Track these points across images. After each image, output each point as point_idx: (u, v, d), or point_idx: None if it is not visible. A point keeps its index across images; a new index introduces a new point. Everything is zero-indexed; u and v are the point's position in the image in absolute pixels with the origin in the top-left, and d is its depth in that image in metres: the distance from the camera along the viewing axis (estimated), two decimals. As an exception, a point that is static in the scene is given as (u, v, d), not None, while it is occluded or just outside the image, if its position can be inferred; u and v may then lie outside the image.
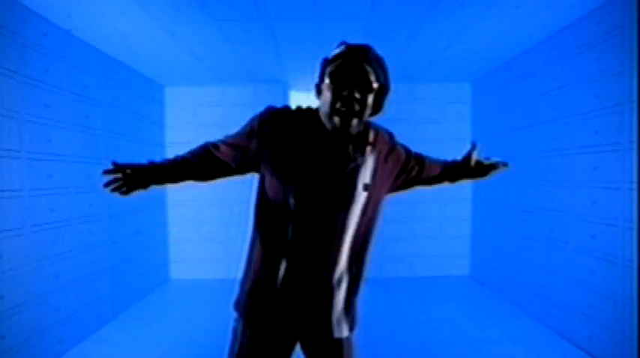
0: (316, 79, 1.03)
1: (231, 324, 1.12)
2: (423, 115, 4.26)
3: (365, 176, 1.01)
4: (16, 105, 2.13)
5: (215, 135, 4.18)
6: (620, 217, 2.16)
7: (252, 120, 1.06)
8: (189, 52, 3.13)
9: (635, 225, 2.05)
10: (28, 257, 2.20)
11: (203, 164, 1.10)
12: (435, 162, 1.30)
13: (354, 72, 0.92)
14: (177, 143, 4.27)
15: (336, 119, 0.94)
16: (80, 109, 2.72)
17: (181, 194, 4.28)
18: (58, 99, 2.48)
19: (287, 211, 0.99)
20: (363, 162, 1.01)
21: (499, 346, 2.56)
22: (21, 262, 2.15)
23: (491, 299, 3.54)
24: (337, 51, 0.97)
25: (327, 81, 0.95)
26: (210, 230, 4.26)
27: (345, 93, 0.92)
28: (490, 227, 3.84)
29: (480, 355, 2.45)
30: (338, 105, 0.93)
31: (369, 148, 1.03)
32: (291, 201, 0.98)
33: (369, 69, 0.94)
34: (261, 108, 1.07)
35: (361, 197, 1.00)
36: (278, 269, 1.02)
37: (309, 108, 1.06)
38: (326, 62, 0.99)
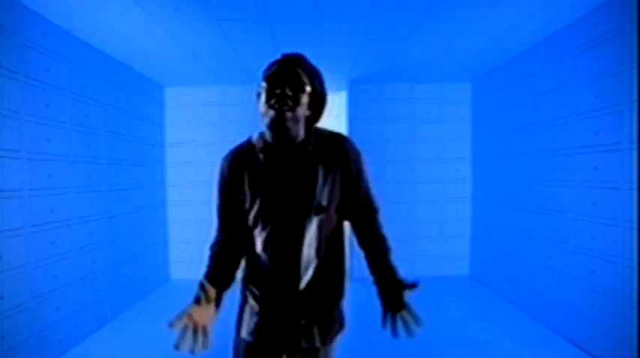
0: (257, 89, 1.10)
1: (231, 341, 1.21)
2: (423, 115, 4.25)
3: (315, 183, 1.06)
4: (16, 105, 2.13)
5: (215, 135, 4.21)
6: (620, 217, 2.16)
7: (219, 172, 1.17)
8: (189, 52, 3.13)
9: (635, 225, 2.05)
10: (28, 257, 2.20)
11: (232, 231, 1.19)
12: (371, 223, 1.18)
13: (286, 73, 1.01)
14: (177, 143, 4.27)
15: (271, 113, 1.00)
16: (80, 109, 2.72)
17: (181, 194, 4.29)
18: (58, 99, 2.48)
19: (261, 233, 1.10)
20: (311, 170, 1.07)
21: (499, 346, 2.56)
22: (21, 262, 2.15)
23: (491, 299, 3.54)
24: (273, 60, 1.07)
25: (263, 84, 1.03)
26: (210, 230, 4.24)
27: (278, 91, 1.00)
28: (490, 227, 3.84)
29: (480, 355, 2.45)
30: (272, 101, 1.00)
31: (315, 154, 1.08)
32: (260, 221, 1.09)
33: (301, 71, 1.03)
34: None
35: (313, 205, 1.06)
36: (260, 286, 1.13)
37: (249, 139, 1.16)
38: (264, 71, 1.08)
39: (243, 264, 1.21)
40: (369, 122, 4.20)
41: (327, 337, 1.14)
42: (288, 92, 1.00)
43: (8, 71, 2.07)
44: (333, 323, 1.15)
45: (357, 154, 1.13)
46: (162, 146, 4.21)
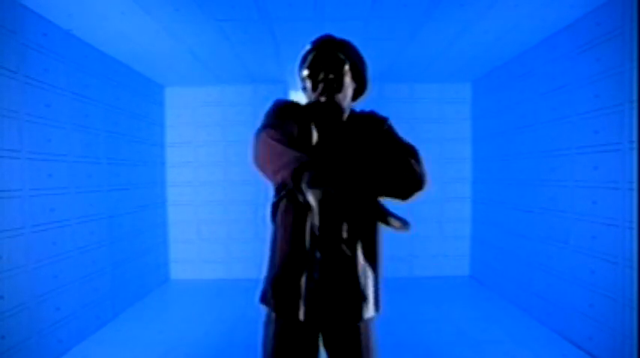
0: (299, 79, 1.19)
1: (262, 319, 1.14)
2: (423, 115, 4.25)
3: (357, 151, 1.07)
4: (16, 105, 2.13)
5: (215, 135, 4.19)
6: (620, 217, 2.16)
7: (271, 109, 1.12)
8: (189, 52, 3.13)
9: (635, 225, 2.05)
10: (28, 257, 2.20)
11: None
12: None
13: (324, 57, 1.07)
14: (178, 143, 4.27)
15: (322, 99, 1.06)
16: (80, 109, 2.72)
17: (181, 194, 4.29)
18: (58, 99, 2.48)
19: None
20: (354, 144, 1.09)
21: (499, 346, 2.56)
22: (21, 262, 2.15)
23: (491, 299, 3.54)
24: (307, 47, 1.15)
25: (305, 72, 1.11)
26: (210, 230, 4.26)
27: (321, 76, 1.06)
28: (490, 227, 3.84)
29: (480, 355, 2.45)
30: (319, 89, 1.06)
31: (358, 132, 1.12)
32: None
33: (336, 51, 1.09)
34: (266, 105, 1.16)
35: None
36: (302, 255, 1.04)
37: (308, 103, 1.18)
38: (301, 60, 1.15)
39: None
40: (369, 122, 4.21)
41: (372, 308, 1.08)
42: (331, 76, 1.06)
43: (8, 71, 2.07)
44: (375, 293, 1.10)
45: (391, 128, 1.18)
46: (163, 146, 4.21)
